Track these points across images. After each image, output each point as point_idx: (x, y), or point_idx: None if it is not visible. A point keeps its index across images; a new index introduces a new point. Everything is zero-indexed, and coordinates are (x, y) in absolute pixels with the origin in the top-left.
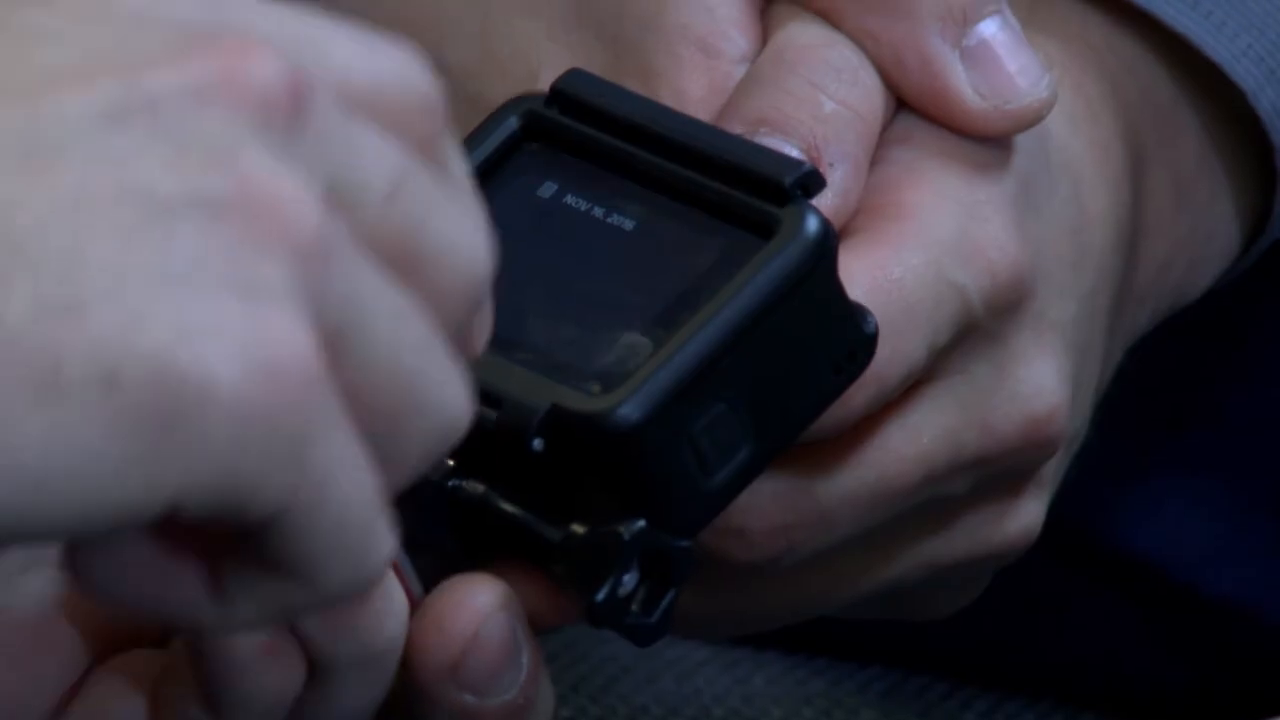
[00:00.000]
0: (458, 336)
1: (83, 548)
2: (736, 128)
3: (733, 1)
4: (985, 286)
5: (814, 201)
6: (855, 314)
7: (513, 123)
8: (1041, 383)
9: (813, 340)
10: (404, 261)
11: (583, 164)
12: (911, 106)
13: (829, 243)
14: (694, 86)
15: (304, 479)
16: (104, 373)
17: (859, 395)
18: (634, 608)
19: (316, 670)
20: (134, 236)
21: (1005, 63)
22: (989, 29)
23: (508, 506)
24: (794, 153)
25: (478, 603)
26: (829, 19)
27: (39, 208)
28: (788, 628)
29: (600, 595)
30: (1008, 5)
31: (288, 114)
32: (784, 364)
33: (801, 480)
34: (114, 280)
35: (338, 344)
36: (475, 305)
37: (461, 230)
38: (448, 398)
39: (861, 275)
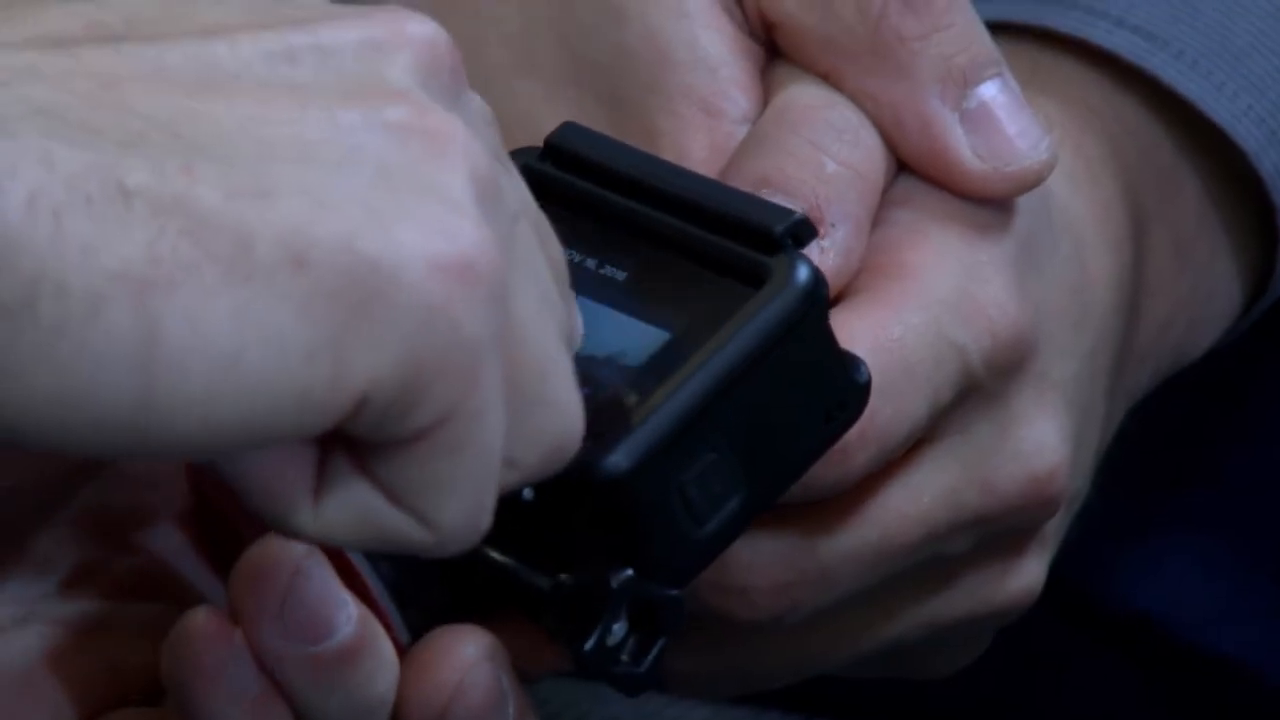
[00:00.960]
0: None
1: None
2: (739, 188)
3: (735, 62)
4: (986, 346)
5: (817, 260)
6: (847, 363)
7: None
8: (1043, 441)
9: (804, 388)
10: None
11: (576, 217)
12: (911, 168)
13: (819, 291)
14: (696, 146)
15: (473, 389)
16: (294, 254)
17: (860, 454)
18: (623, 657)
19: None
20: (320, 145)
21: (1005, 125)
22: (989, 91)
23: (498, 556)
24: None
25: (463, 652)
26: (829, 80)
27: (220, 119)
28: (788, 687)
29: (588, 644)
30: (1008, 68)
31: (450, 70)
32: (775, 412)
33: (804, 539)
34: (303, 173)
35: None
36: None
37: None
38: (569, 403)
39: (863, 334)
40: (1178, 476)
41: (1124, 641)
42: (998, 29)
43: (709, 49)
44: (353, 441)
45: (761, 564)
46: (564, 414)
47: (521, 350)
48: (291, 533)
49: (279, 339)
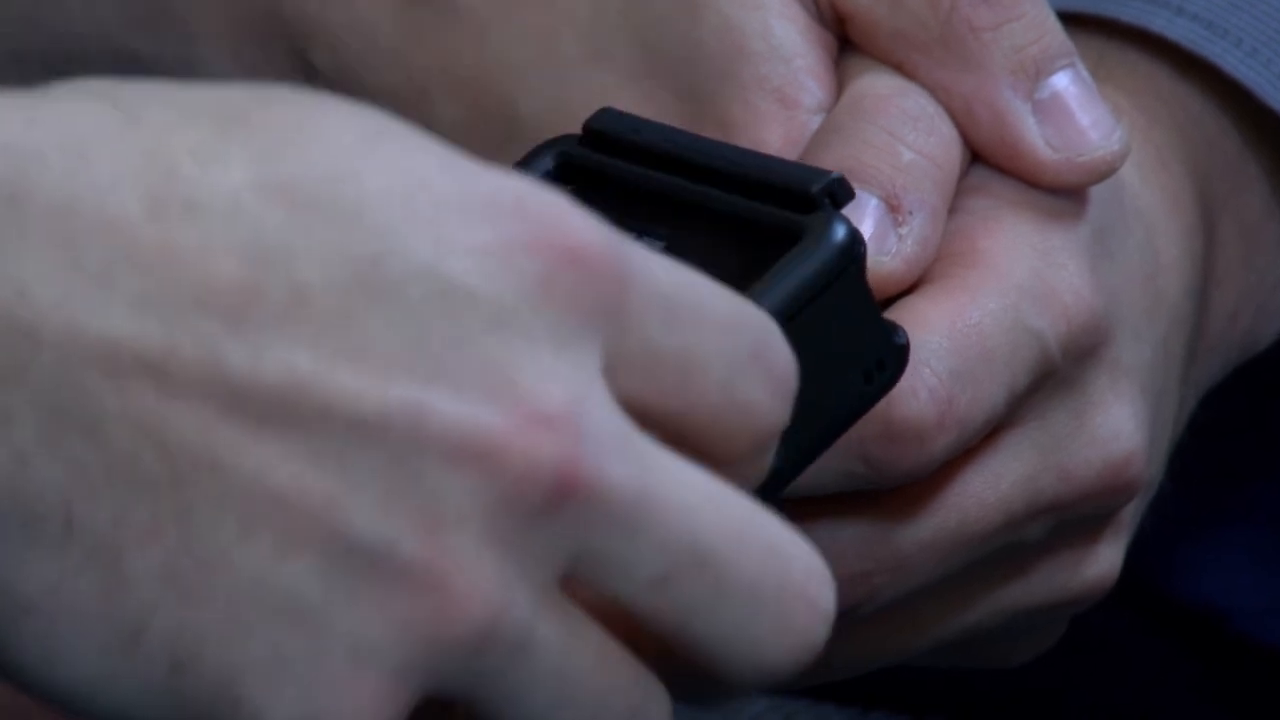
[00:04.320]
0: None
1: None
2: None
3: (809, 52)
4: (1062, 332)
5: (894, 248)
6: (885, 325)
7: (548, 162)
8: (1118, 428)
9: (841, 346)
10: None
11: (616, 198)
12: (984, 159)
13: (856, 248)
14: (771, 137)
15: None
16: (176, 660)
17: (939, 441)
18: None
19: None
20: (295, 560)
21: (1077, 115)
22: (1061, 82)
23: None
24: (873, 201)
25: None
26: (902, 72)
27: (237, 479)
28: (845, 678)
29: None
30: (1079, 58)
31: (537, 505)
32: (812, 368)
33: (881, 527)
34: (245, 586)
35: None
36: None
37: (754, 606)
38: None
39: (939, 321)
40: (1236, 468)
41: (1183, 631)
42: (1061, 19)
43: (783, 39)
44: None
45: (839, 552)
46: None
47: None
48: None
49: (121, 709)
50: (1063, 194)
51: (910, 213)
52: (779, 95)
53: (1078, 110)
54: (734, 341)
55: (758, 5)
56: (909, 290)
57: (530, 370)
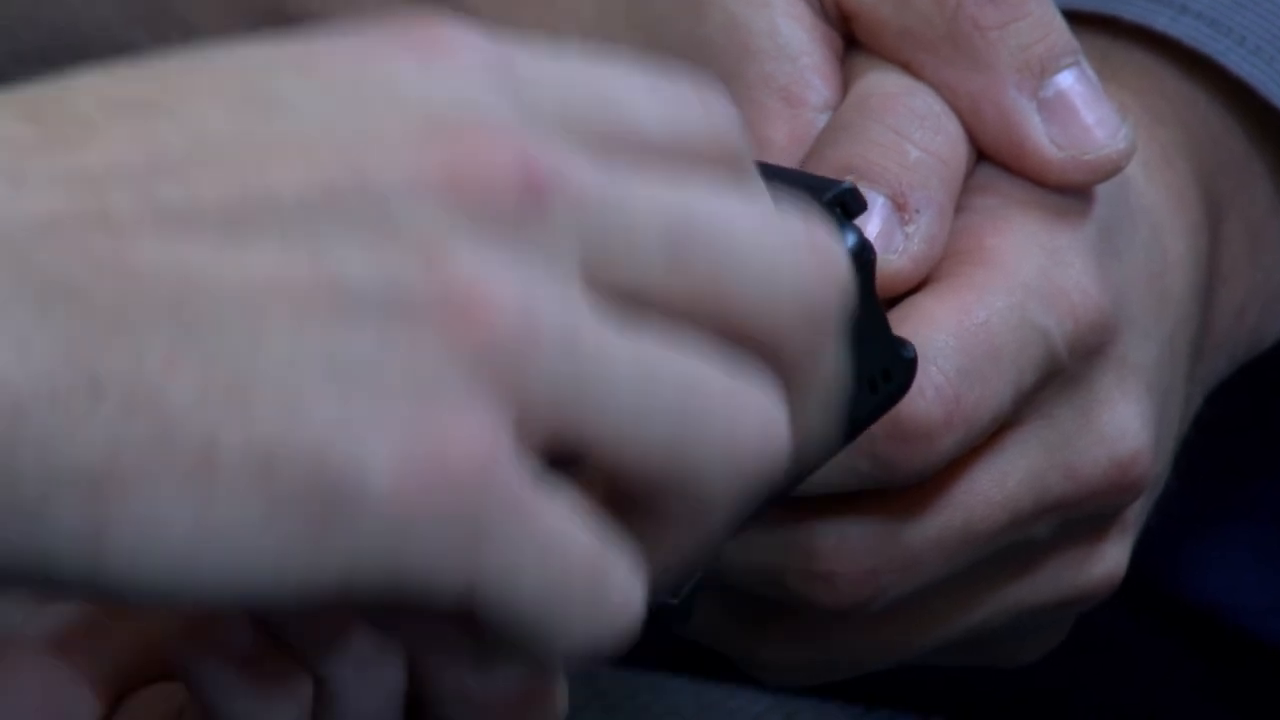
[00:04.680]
0: (799, 367)
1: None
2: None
3: (815, 50)
4: (1069, 330)
5: (901, 247)
6: (893, 337)
7: None
8: (1125, 426)
9: (847, 355)
10: (710, 305)
11: None
12: (989, 158)
13: (865, 257)
14: (777, 135)
15: (482, 568)
16: (259, 461)
17: (946, 438)
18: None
19: (319, 684)
20: (314, 328)
21: (1083, 114)
22: (1066, 80)
23: None
24: (880, 200)
25: None
26: (907, 70)
27: (224, 287)
28: (849, 678)
29: None
30: (1085, 57)
31: (516, 208)
32: None
33: (889, 524)
34: (284, 370)
35: (563, 423)
36: (812, 333)
37: (770, 258)
38: (720, 453)
39: (946, 319)
40: (1241, 466)
41: (1188, 630)
42: (1066, 18)
43: (789, 37)
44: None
45: (847, 549)
46: (716, 465)
47: (622, 460)
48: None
49: (240, 545)
50: (1069, 192)
51: (917, 211)
52: (785, 93)
53: (1083, 109)
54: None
55: (764, 3)
56: (916, 288)
57: (464, 105)
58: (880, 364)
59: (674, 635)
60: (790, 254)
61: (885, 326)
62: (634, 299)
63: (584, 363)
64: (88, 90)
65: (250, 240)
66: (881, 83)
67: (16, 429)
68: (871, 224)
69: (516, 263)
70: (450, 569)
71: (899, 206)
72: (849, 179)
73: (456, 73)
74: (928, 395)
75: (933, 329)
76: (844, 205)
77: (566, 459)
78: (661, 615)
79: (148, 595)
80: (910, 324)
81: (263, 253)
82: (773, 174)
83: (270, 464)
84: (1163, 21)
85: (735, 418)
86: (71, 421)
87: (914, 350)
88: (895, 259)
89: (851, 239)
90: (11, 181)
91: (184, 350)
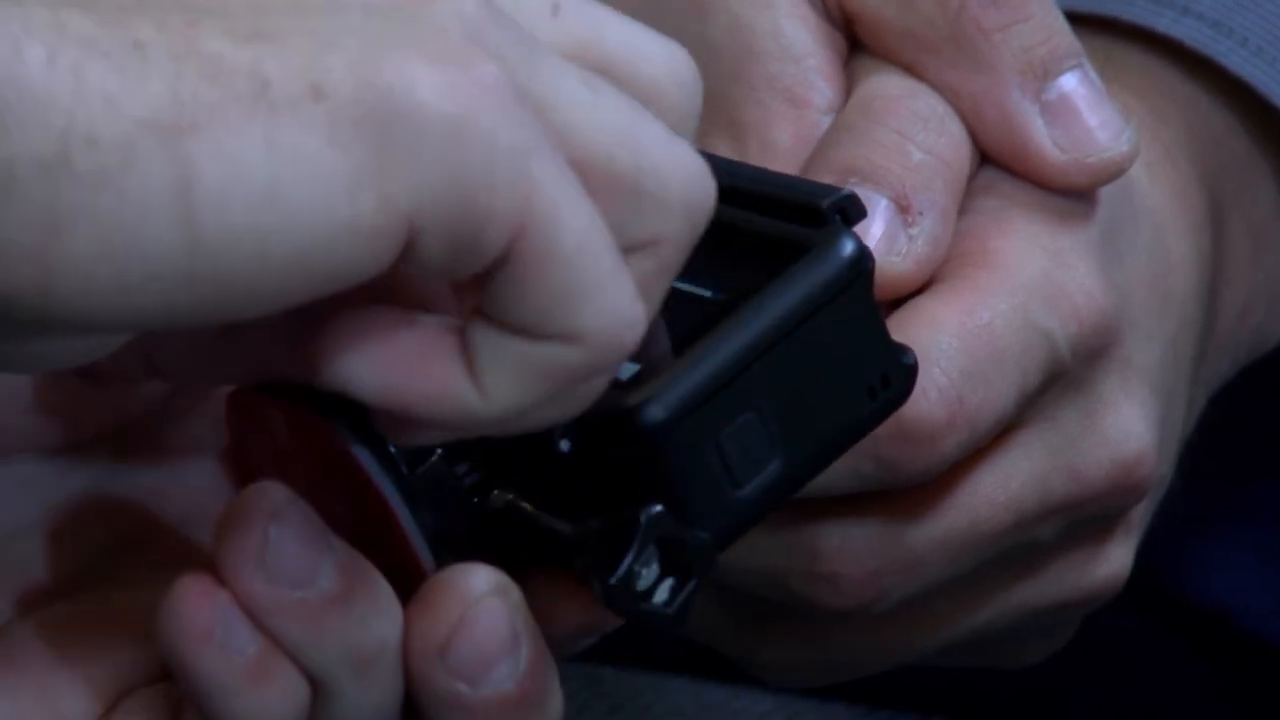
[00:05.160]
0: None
1: (335, 340)
2: (826, 178)
3: (819, 52)
4: (1072, 332)
5: (904, 248)
6: (893, 345)
7: None
8: (1129, 428)
9: (846, 360)
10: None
11: None
12: (992, 160)
13: (864, 263)
14: (782, 137)
15: (533, 193)
16: (309, 84)
17: (950, 440)
18: (655, 601)
19: (316, 687)
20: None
21: (1086, 116)
22: (1069, 83)
23: (534, 511)
24: (884, 202)
25: (469, 585)
26: (910, 73)
27: None
28: (853, 679)
29: (614, 577)
30: (1088, 59)
31: None
32: (815, 380)
33: (893, 525)
34: (299, 20)
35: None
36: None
37: (644, 38)
38: (671, 166)
39: (950, 321)
40: (1243, 467)
41: (1190, 630)
42: (1068, 20)
43: (793, 39)
44: (476, 308)
45: (851, 550)
46: (670, 176)
47: (583, 161)
48: (472, 423)
49: (312, 169)
50: (1072, 195)
51: (920, 213)
52: (789, 95)
53: (1086, 111)
54: None
55: (768, 5)
56: (919, 290)
57: None
58: (879, 370)
59: (675, 636)
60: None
61: (884, 333)
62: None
63: (545, 59)
64: None
65: None
66: (885, 85)
67: (83, 90)
68: (875, 226)
69: None
70: (506, 195)
71: (902, 208)
72: (852, 181)
73: None
74: (931, 397)
75: (936, 330)
76: (843, 212)
77: None
78: (656, 623)
79: (244, 250)
80: (914, 325)
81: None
82: (774, 180)
83: (320, 85)
84: (1164, 23)
85: (673, 143)
86: (128, 76)
87: (914, 357)
88: (899, 261)
89: (850, 245)
90: None
91: (200, 18)
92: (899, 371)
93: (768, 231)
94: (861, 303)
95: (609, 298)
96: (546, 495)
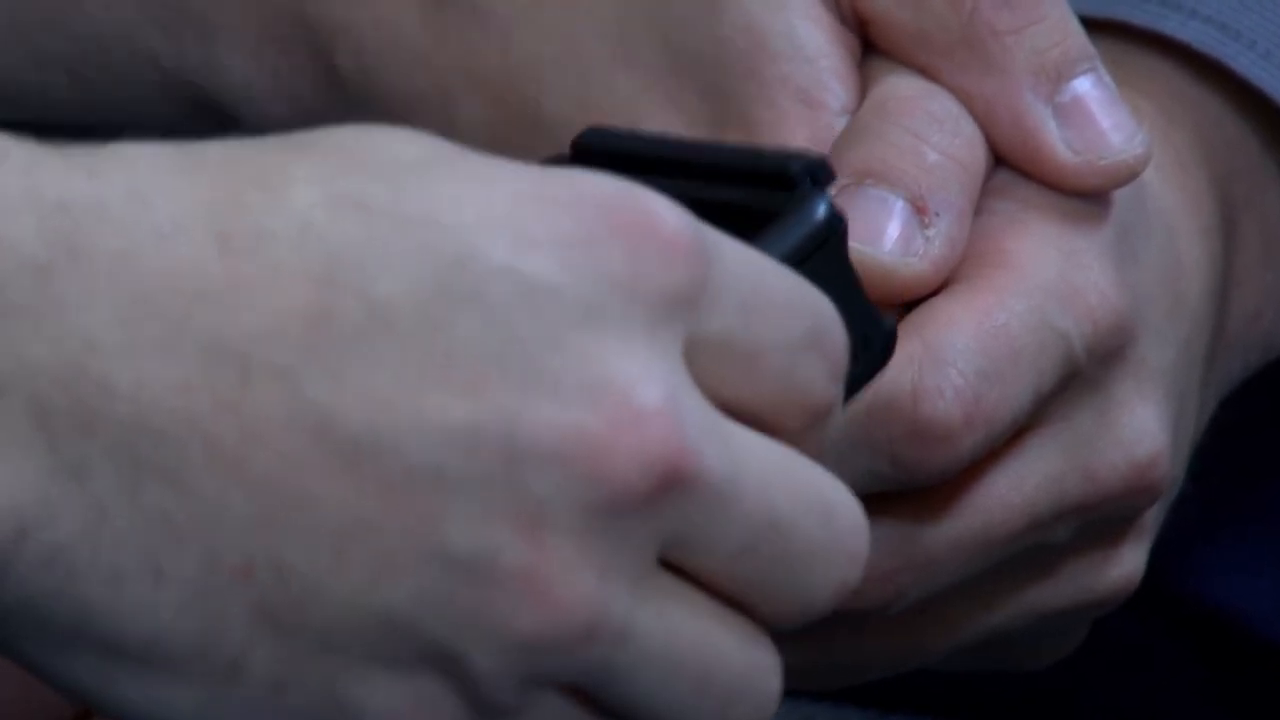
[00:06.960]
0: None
1: None
2: (841, 179)
3: (833, 53)
4: (1088, 333)
5: (921, 249)
6: (872, 307)
7: None
8: (1143, 429)
9: None
10: (749, 596)
11: None
12: (1005, 162)
13: (835, 224)
14: (796, 138)
15: None
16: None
17: (966, 440)
18: None
19: None
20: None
21: (1099, 119)
22: (1083, 85)
23: None
24: (900, 203)
25: None
26: (923, 75)
27: (321, 517)
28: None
29: None
30: (1101, 62)
31: (634, 503)
32: None
33: (908, 526)
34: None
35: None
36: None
37: (820, 573)
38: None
39: (965, 321)
40: (1253, 469)
41: (1198, 633)
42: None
43: (807, 40)
44: None
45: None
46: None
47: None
48: None
49: None
50: (1085, 196)
51: (936, 214)
52: (803, 96)
53: (1099, 114)
54: (796, 324)
55: (781, 5)
56: (935, 291)
57: (625, 366)
58: (859, 332)
59: None
60: (840, 567)
61: (861, 295)
62: (685, 569)
63: (618, 654)
64: None
65: (377, 460)
66: (899, 86)
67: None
68: (891, 227)
69: (608, 555)
70: None
71: (918, 210)
72: (868, 183)
73: (650, 291)
74: (947, 396)
75: (953, 331)
76: (813, 175)
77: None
78: None
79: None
80: (930, 326)
81: (382, 483)
82: (746, 152)
83: (285, 688)
84: (1171, 26)
85: (743, 690)
86: (123, 599)
87: (894, 321)
88: (915, 262)
89: (822, 208)
90: (167, 325)
91: (258, 567)
92: (879, 334)
93: (739, 201)
94: (836, 265)
95: None
96: None
